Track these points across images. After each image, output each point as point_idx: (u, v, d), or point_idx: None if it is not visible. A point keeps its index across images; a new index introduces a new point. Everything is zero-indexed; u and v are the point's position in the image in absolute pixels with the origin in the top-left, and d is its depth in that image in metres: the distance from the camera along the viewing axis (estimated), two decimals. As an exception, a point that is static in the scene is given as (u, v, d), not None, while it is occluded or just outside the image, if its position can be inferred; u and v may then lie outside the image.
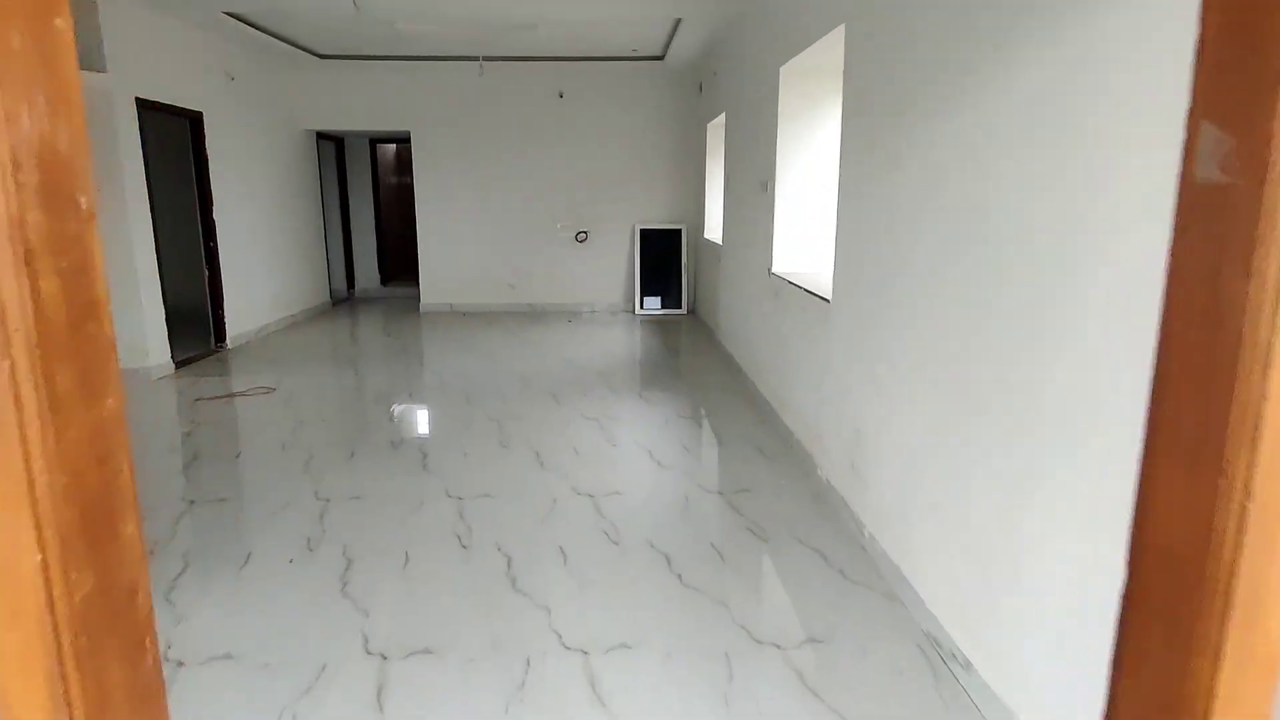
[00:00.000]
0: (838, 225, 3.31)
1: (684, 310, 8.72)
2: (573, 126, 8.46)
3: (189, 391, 5.28)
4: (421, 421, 4.68)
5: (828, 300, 3.45)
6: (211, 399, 5.06)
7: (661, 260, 8.74)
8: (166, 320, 5.81)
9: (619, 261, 8.79)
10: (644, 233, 8.70)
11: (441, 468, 3.82)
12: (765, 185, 4.70)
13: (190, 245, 6.56)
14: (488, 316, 8.48)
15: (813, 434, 3.69)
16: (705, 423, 4.63)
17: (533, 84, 8.33)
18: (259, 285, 7.28)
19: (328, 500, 3.41)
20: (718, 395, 5.18)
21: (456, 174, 8.57)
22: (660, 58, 7.89)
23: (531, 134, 8.46)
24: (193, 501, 3.41)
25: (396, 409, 4.84)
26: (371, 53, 7.75)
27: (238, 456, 4.01)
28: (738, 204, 5.84)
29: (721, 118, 6.78)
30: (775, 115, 4.44)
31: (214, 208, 6.46)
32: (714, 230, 7.79)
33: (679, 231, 8.68)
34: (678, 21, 6.16)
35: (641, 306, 8.75)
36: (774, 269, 4.59)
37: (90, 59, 5.06)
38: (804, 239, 4.54)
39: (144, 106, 5.50)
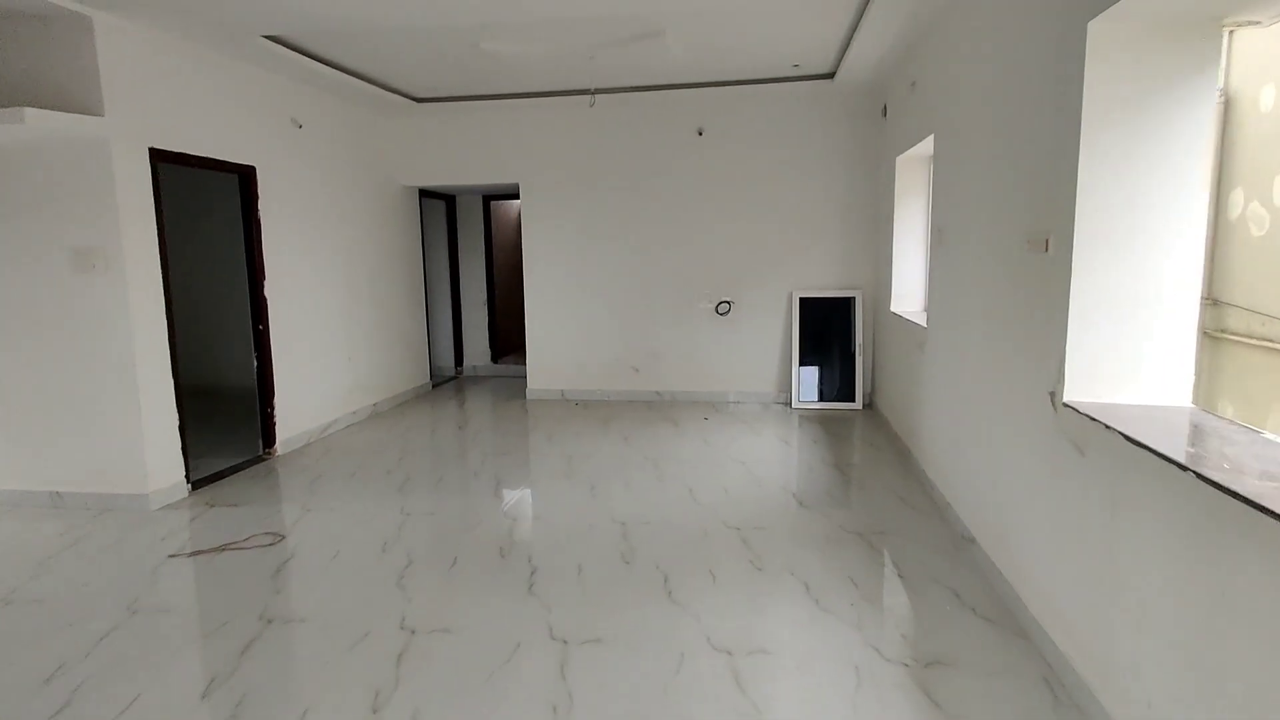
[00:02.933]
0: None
1: (858, 404, 6.56)
2: (714, 170, 6.70)
3: (176, 535, 3.87)
4: (442, 636, 2.92)
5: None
6: (192, 554, 3.60)
7: (827, 338, 6.68)
8: (201, 424, 4.54)
9: (771, 339, 6.82)
10: (805, 302, 6.69)
11: (427, 794, 1.99)
12: (1045, 242, 2.60)
13: (240, 328, 5.36)
14: (605, 408, 6.75)
15: None
16: (934, 680, 2.51)
17: (664, 120, 6.69)
18: (329, 373, 6.00)
19: None
20: (944, 601, 3.04)
21: (570, 232, 7.03)
22: (829, 75, 5.99)
23: (662, 181, 6.79)
24: None
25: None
26: (471, 92, 6.45)
27: (131, 704, 2.40)
28: (962, 268, 3.75)
29: (925, 145, 4.73)
30: (1075, 113, 2.38)
31: (265, 282, 5.22)
32: (907, 300, 5.66)
33: (851, 301, 6.61)
34: (862, 8, 4.25)
35: (800, 398, 6.69)
36: (1069, 398, 2.45)
37: (80, 98, 3.92)
38: (1141, 346, 2.39)
39: (163, 158, 4.33)
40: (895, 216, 5.63)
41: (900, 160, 5.46)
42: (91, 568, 3.49)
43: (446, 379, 8.41)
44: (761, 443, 5.51)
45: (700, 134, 6.66)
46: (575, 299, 7.09)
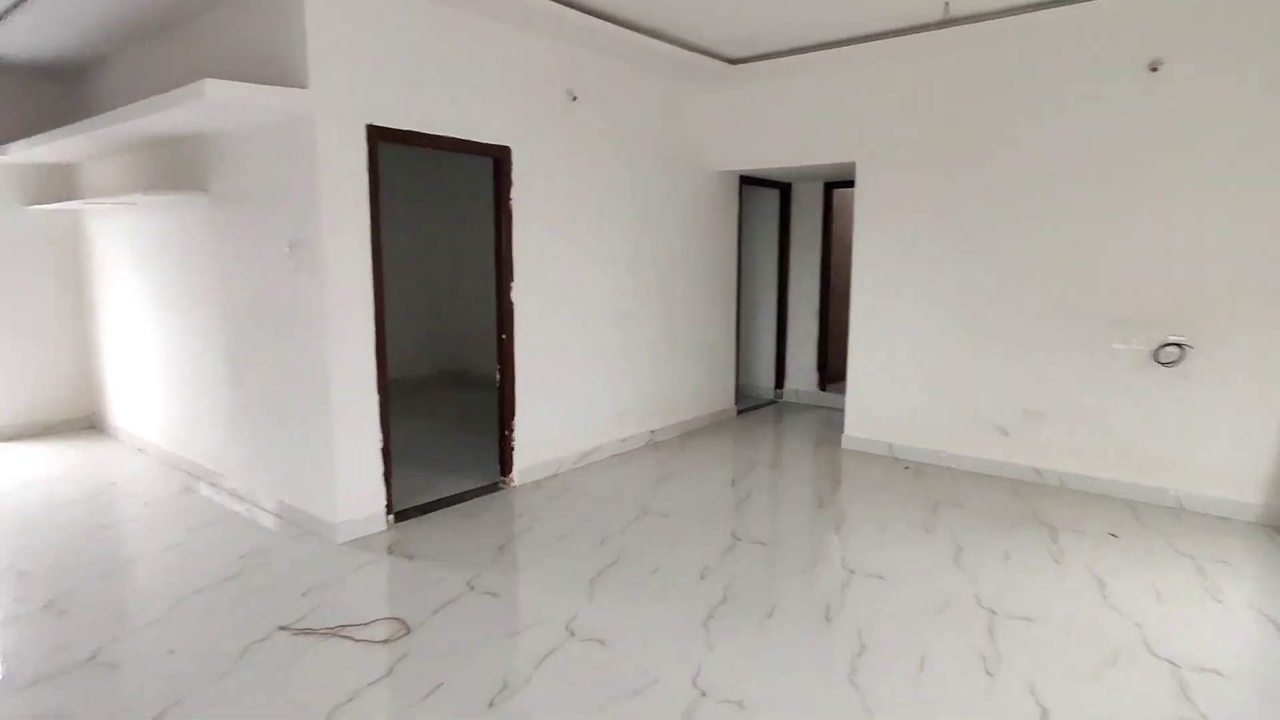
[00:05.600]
0: None
1: None
2: (1167, 131, 4.08)
3: (321, 590, 3.18)
4: None
5: None
6: (298, 633, 2.84)
7: (1396, 424, 3.61)
8: (456, 431, 3.95)
9: (1260, 409, 3.96)
10: (1348, 357, 3.71)
11: None
12: None
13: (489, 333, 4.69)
14: (946, 480, 4.67)
15: None
16: None
17: (1077, 54, 4.28)
18: (594, 393, 5.07)
19: None
20: None
21: (916, 226, 5.03)
22: None
23: (1064, 153, 4.38)
24: None
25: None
26: (794, 42, 4.88)
27: None
28: None
29: None
30: None
31: (513, 285, 4.44)
32: None
33: None
34: None
35: (1318, 525, 3.75)
36: None
37: (286, 69, 3.42)
38: None
39: (385, 137, 3.71)
40: None
41: None
42: (199, 627, 2.93)
43: (760, 404, 7.01)
44: (1220, 614, 2.99)
45: (1154, 70, 4.09)
46: (918, 319, 5.08)
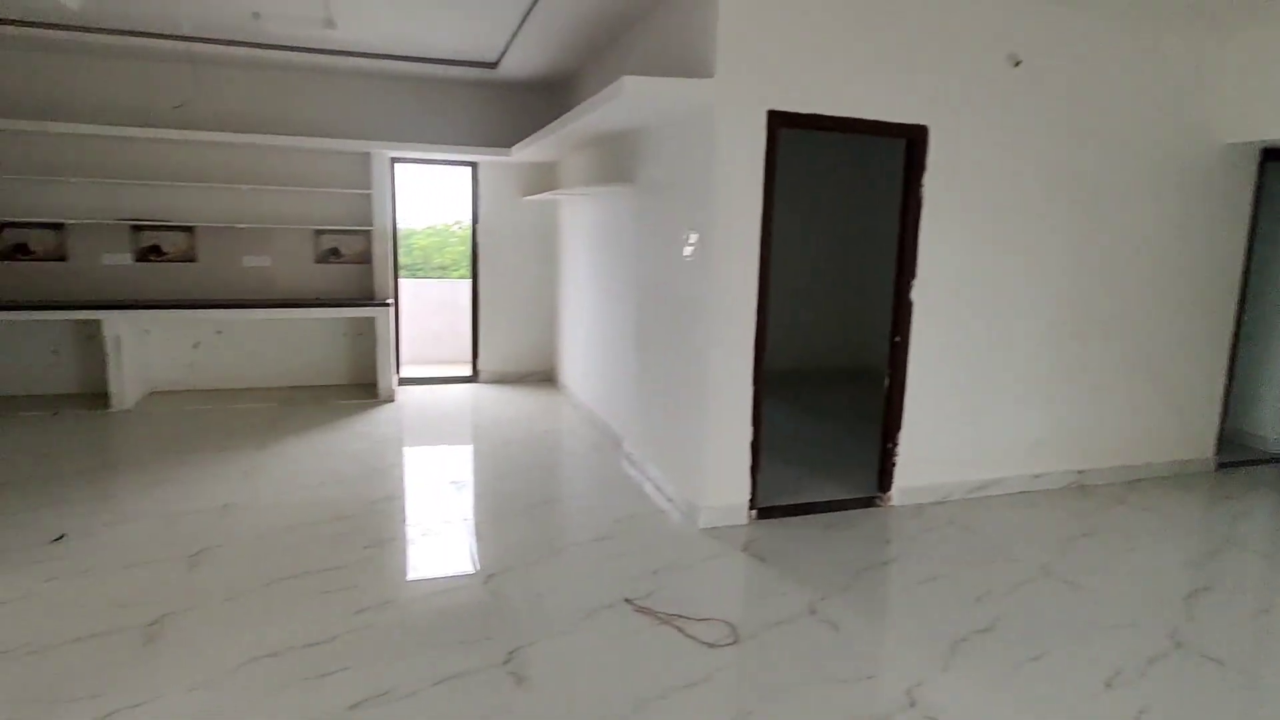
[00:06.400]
0: None
1: None
2: None
3: (696, 569, 3.26)
4: None
5: None
6: (638, 610, 2.93)
7: None
8: (844, 432, 3.86)
9: None
10: None
11: None
12: None
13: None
14: None
15: None
16: None
17: None
18: (1003, 415, 4.30)
19: None
20: None
21: None
22: None
23: None
24: None
25: None
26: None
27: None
28: None
29: None
30: None
31: (913, 282, 3.96)
32: None
33: None
34: None
35: None
36: None
37: (697, 61, 3.48)
38: None
39: (786, 122, 3.56)
40: None
41: None
42: (566, 579, 3.22)
43: (1257, 459, 5.19)
44: None
45: None
46: None
